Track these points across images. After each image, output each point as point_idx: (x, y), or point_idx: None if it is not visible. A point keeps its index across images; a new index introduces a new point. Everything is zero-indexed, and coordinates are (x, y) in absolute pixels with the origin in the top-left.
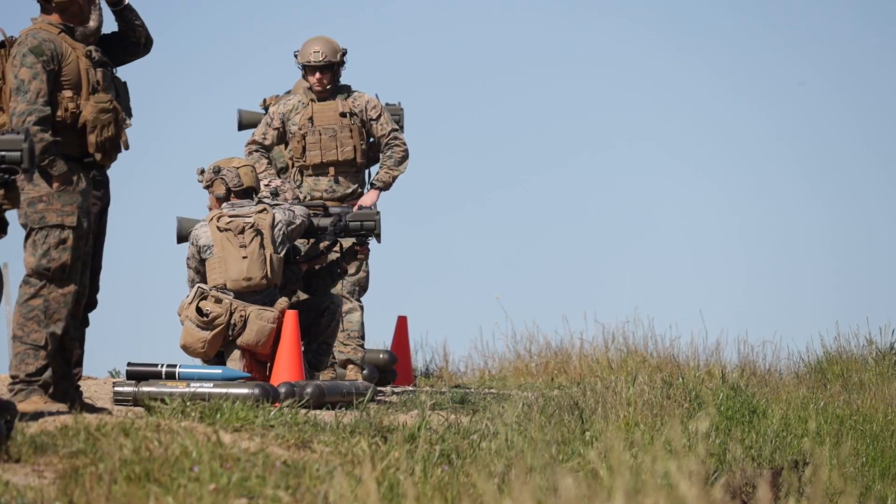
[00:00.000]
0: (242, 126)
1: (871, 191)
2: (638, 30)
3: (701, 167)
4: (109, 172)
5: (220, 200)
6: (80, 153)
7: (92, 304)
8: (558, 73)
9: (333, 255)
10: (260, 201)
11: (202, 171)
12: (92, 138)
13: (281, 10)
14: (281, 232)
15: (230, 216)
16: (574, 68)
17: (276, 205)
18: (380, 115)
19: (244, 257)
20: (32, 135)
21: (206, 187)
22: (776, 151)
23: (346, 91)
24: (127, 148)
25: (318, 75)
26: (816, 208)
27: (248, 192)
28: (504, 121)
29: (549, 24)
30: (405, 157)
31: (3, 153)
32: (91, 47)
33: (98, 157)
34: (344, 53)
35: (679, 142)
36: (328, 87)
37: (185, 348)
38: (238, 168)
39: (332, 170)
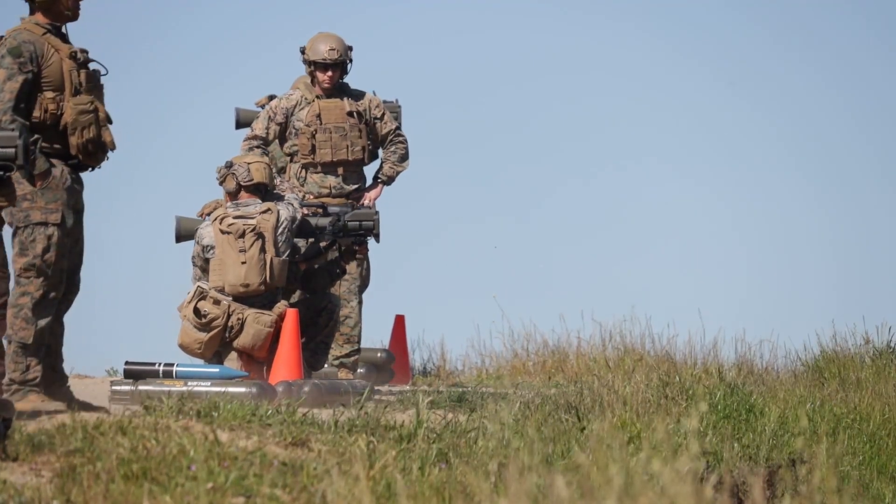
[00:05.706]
0: (240, 125)
1: (868, 189)
2: (636, 30)
3: (698, 166)
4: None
5: (230, 195)
6: (65, 153)
7: (67, 304)
8: (557, 73)
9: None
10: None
11: (220, 169)
12: (73, 140)
13: (280, 10)
14: (285, 230)
15: (234, 217)
16: (573, 69)
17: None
18: (383, 114)
19: (243, 262)
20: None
21: (221, 183)
22: (773, 150)
23: (346, 89)
24: (113, 148)
25: (329, 73)
26: (814, 207)
27: (260, 189)
28: (503, 120)
29: (548, 25)
30: (407, 155)
31: None
32: (77, 48)
33: (81, 158)
34: (351, 50)
35: (676, 140)
36: (335, 84)
37: (182, 347)
38: (250, 164)
39: (341, 169)
